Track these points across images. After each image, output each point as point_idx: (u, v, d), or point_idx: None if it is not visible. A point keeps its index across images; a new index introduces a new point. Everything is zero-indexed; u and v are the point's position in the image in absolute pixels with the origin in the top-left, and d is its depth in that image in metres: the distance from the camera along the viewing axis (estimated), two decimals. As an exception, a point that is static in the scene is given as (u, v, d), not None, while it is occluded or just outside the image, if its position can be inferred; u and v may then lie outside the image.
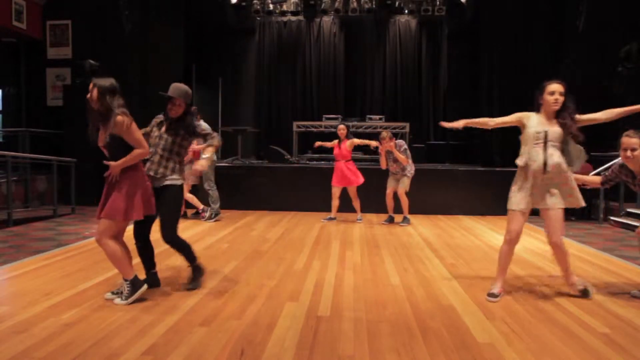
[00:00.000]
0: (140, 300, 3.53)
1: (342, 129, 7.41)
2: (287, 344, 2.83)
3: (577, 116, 3.61)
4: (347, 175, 7.27)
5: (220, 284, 4.02)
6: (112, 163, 3.43)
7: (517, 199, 3.63)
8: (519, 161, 3.64)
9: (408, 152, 7.16)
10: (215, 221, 7.37)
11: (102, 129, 3.50)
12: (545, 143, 3.52)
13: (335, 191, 7.41)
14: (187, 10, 10.79)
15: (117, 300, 3.50)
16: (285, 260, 4.90)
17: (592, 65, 8.71)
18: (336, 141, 7.45)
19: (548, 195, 3.58)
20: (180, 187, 3.86)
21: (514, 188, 3.69)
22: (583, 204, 3.64)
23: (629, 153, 3.62)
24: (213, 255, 5.12)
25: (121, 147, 3.45)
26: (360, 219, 7.43)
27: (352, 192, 7.40)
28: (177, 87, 3.81)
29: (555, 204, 3.57)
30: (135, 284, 3.51)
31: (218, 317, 3.24)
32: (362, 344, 2.84)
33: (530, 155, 3.57)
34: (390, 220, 7.48)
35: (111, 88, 3.47)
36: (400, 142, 7.23)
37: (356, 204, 7.47)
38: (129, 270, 3.53)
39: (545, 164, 3.51)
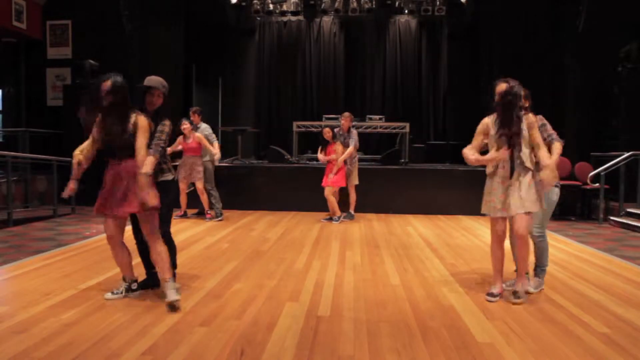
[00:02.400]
0: (140, 300, 3.53)
1: (327, 132, 7.35)
2: (287, 344, 2.83)
3: (534, 119, 3.61)
4: (329, 177, 7.30)
5: (220, 284, 4.02)
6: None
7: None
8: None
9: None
10: (219, 220, 7.40)
11: (106, 125, 3.44)
12: (509, 146, 3.55)
13: (326, 192, 7.40)
14: (187, 10, 10.79)
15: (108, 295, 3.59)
16: (285, 260, 4.90)
17: (592, 65, 8.71)
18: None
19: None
20: (171, 182, 3.78)
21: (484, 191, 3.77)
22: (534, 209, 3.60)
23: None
24: (213, 255, 5.12)
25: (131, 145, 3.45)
26: (336, 220, 7.41)
27: (327, 192, 7.38)
28: (152, 78, 3.71)
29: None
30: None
31: (218, 317, 3.24)
32: (362, 344, 2.84)
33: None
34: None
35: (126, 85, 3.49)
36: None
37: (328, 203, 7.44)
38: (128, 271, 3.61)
39: (512, 168, 3.57)
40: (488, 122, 3.70)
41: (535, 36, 9.63)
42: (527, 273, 3.81)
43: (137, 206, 3.39)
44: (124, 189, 3.42)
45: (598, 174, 7.57)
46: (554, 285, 4.06)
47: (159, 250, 3.52)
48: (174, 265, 3.78)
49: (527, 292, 3.72)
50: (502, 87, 3.58)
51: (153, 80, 3.70)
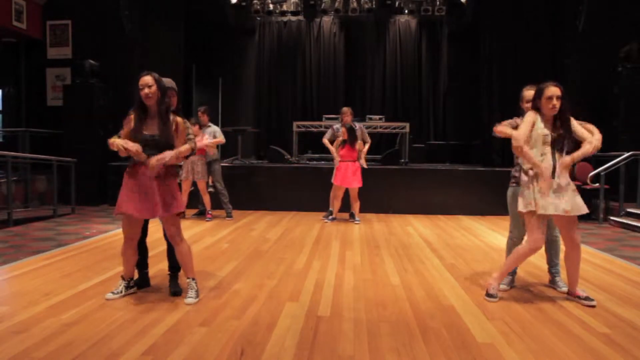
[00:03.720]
0: (140, 300, 3.54)
1: (345, 132, 7.20)
2: (287, 344, 2.83)
3: (573, 121, 3.55)
4: (352, 176, 7.16)
5: (220, 284, 4.02)
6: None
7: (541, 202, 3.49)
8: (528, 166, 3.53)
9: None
10: (229, 219, 7.50)
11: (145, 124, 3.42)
12: (553, 147, 3.46)
13: (340, 192, 7.36)
14: (187, 10, 10.79)
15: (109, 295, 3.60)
16: (285, 260, 4.90)
17: (592, 65, 8.71)
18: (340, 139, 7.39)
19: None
20: (179, 184, 3.84)
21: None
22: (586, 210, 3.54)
23: (527, 105, 3.82)
24: (213, 255, 5.12)
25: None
26: (358, 221, 7.41)
27: (354, 193, 7.37)
28: (167, 80, 3.72)
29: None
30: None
31: (218, 317, 3.24)
32: (362, 344, 2.84)
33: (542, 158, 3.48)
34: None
35: None
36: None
37: (356, 205, 7.44)
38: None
39: (554, 168, 3.45)
40: (535, 117, 3.52)
41: (535, 36, 9.63)
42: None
43: (164, 210, 3.41)
44: (152, 192, 3.39)
45: (598, 174, 7.57)
46: (553, 286, 4.06)
47: (184, 251, 3.57)
48: (178, 266, 3.80)
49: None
50: (554, 90, 3.47)
51: (168, 81, 3.73)
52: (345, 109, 7.46)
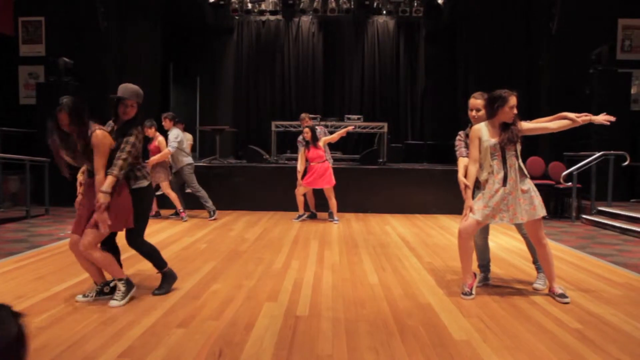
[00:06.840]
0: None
1: (306, 132, 7.31)
2: (265, 344, 2.83)
3: (525, 123, 3.65)
4: (320, 178, 7.25)
5: (198, 285, 3.99)
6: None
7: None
8: (481, 176, 3.66)
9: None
10: (213, 219, 7.47)
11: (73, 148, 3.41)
12: (503, 153, 3.56)
13: (302, 193, 7.49)
14: (164, 8, 10.66)
15: (113, 302, 3.49)
16: (264, 260, 4.89)
17: (565, 66, 8.91)
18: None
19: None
20: (146, 189, 3.69)
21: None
22: (543, 213, 3.66)
23: (474, 113, 3.87)
24: (191, 255, 5.08)
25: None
26: (337, 220, 7.43)
27: (328, 193, 7.41)
28: (127, 87, 3.61)
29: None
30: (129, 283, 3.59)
31: (196, 318, 3.22)
32: (340, 343, 2.86)
33: (491, 169, 3.60)
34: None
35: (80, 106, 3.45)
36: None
37: (332, 203, 7.47)
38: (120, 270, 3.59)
39: (505, 176, 3.56)
40: (479, 132, 3.63)
41: (510, 37, 9.80)
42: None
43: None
44: (92, 207, 3.40)
45: (570, 173, 7.73)
46: (528, 282, 4.15)
47: (96, 260, 3.47)
48: (162, 263, 3.77)
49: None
50: (515, 99, 3.54)
51: (128, 89, 3.59)
52: (303, 114, 7.85)
